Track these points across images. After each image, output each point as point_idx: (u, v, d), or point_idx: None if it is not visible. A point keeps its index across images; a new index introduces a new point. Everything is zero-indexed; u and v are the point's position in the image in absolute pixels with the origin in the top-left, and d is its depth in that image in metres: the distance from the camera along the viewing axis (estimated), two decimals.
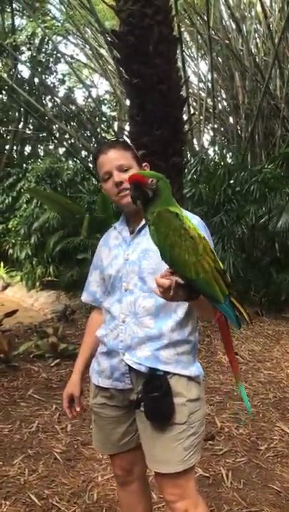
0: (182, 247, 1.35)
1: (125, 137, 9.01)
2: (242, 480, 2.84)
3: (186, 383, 1.70)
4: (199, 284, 1.36)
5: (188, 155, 10.16)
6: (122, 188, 1.74)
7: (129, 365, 1.69)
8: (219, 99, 12.59)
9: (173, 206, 1.41)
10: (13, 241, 11.22)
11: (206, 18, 9.52)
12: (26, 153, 15.49)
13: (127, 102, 6.85)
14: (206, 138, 13.01)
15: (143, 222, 1.76)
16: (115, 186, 1.75)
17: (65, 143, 13.20)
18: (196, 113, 11.88)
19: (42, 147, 16.07)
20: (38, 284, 10.33)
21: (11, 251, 11.37)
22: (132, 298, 1.71)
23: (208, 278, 1.35)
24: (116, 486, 2.11)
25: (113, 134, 13.50)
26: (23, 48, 13.49)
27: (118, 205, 1.83)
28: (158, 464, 1.69)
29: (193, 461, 1.70)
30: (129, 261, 1.74)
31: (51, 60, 13.93)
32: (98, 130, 13.69)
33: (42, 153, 15.54)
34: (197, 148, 11.01)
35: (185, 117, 8.85)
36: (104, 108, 14.66)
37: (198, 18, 11.33)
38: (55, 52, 13.67)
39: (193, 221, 1.54)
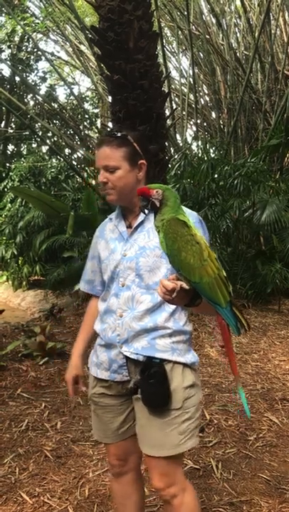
0: (188, 251, 1.42)
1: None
2: (232, 470, 2.87)
3: (181, 370, 1.76)
4: (202, 288, 1.42)
5: (172, 150, 10.18)
6: (105, 188, 1.80)
7: (126, 357, 1.75)
8: (201, 94, 12.62)
9: (181, 214, 1.47)
10: None
11: (186, 13, 9.53)
12: (9, 152, 15.36)
13: (109, 99, 6.83)
14: (189, 133, 13.05)
15: (140, 219, 1.81)
16: (102, 183, 1.80)
17: (48, 141, 13.12)
18: (179, 108, 11.89)
19: (25, 146, 15.94)
20: (24, 283, 10.29)
21: None
22: (130, 293, 1.76)
23: (211, 282, 1.41)
24: (110, 477, 2.12)
25: (96, 131, 13.45)
26: (3, 46, 13.33)
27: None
28: (153, 448, 1.73)
29: (189, 446, 1.75)
30: (126, 257, 1.78)
31: (32, 57, 13.81)
32: (81, 127, 13.64)
33: (25, 152, 15.42)
34: (180, 144, 11.03)
35: (167, 113, 8.87)
36: (86, 105, 14.60)
37: (178, 13, 11.33)
38: (35, 50, 13.56)
39: (191, 218, 1.58)
